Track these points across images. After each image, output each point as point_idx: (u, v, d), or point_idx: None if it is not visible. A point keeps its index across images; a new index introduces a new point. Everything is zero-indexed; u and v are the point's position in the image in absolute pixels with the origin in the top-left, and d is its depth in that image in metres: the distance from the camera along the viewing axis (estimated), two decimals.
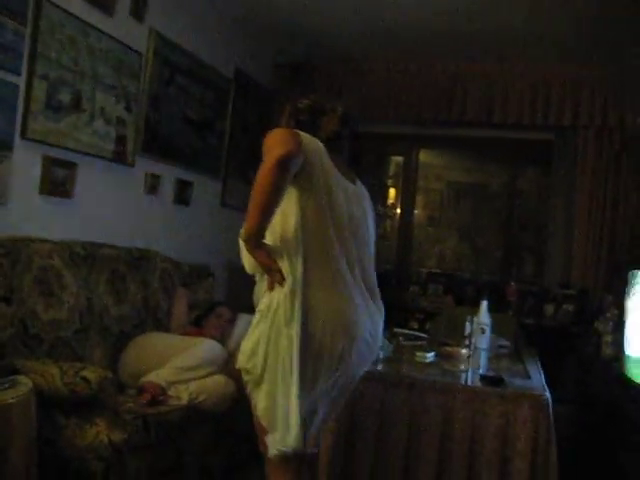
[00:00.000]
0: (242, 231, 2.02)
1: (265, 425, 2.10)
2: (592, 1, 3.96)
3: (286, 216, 2.06)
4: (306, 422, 2.00)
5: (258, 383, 2.09)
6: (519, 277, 5.71)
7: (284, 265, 2.02)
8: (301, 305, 1.98)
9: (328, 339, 2.01)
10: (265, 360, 2.03)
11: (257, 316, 2.13)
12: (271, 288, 2.06)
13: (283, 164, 1.94)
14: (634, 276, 2.86)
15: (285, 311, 1.99)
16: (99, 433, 2.58)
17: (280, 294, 2.01)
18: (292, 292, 1.99)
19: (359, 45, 5.19)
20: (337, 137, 2.30)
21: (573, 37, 4.55)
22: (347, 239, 2.13)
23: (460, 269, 6.36)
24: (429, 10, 4.38)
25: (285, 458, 2.03)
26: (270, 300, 2.05)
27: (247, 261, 2.14)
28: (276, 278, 2.02)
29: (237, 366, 2.16)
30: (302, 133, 2.11)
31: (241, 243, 2.08)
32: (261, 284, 2.18)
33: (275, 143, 1.97)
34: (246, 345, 2.13)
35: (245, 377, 2.14)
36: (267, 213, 1.97)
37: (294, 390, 1.96)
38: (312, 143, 2.13)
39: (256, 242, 2.01)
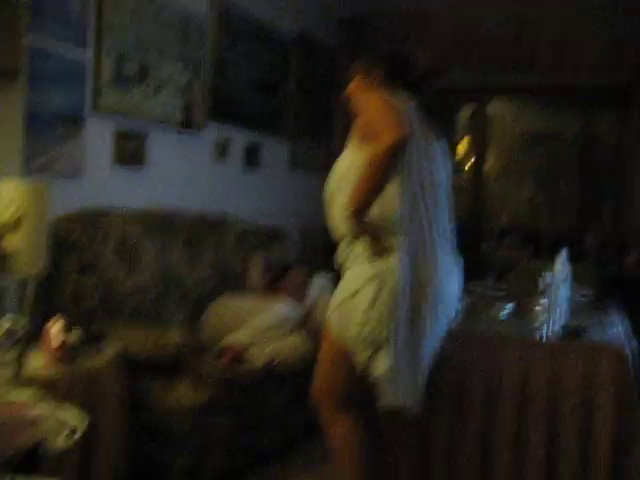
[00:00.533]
0: (346, 202, 2.08)
1: (386, 383, 2.14)
2: None
3: (386, 197, 2.11)
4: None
5: (380, 347, 2.11)
6: (598, 226, 5.53)
7: (386, 239, 2.12)
8: (402, 273, 2.08)
9: (423, 300, 2.13)
10: (385, 323, 2.08)
11: (360, 283, 2.13)
12: (378, 254, 2.11)
13: (396, 151, 1.98)
14: None
15: (392, 279, 2.08)
16: (182, 395, 2.66)
17: (383, 265, 2.10)
18: (395, 262, 2.09)
19: None
20: (420, 86, 2.29)
21: None
22: (431, 207, 2.19)
23: (536, 221, 6.20)
24: None
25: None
26: (377, 269, 2.11)
27: (339, 226, 2.21)
28: (377, 250, 2.11)
29: (352, 340, 2.17)
30: (398, 102, 2.13)
31: (335, 210, 2.20)
32: (348, 248, 2.22)
33: (385, 123, 1.99)
34: (361, 315, 2.12)
35: (361, 347, 2.14)
36: (375, 195, 2.05)
37: (421, 345, 2.12)
38: (408, 113, 2.14)
39: (360, 218, 2.07)
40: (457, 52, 5.29)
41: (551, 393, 2.42)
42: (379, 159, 1.98)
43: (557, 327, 2.73)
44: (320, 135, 5.47)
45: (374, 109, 2.06)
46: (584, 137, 5.71)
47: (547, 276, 3.28)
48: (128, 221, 3.18)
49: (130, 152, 3.42)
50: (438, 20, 5.37)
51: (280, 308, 3.43)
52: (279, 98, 4.84)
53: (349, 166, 2.15)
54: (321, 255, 5.31)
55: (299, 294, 3.79)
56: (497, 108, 6.20)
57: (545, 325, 2.87)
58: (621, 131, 5.42)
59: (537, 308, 3.14)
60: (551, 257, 3.57)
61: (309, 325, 3.62)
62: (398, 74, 2.25)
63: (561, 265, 3.44)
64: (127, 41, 3.32)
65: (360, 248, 2.15)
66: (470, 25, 5.30)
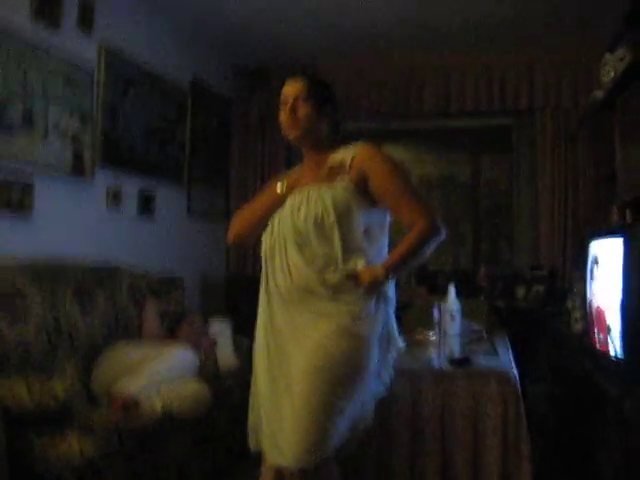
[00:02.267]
0: (379, 269, 2.16)
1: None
2: None
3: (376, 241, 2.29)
4: None
5: None
6: (493, 263, 5.75)
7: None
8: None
9: None
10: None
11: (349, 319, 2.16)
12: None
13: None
14: (593, 246, 2.90)
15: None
16: (71, 446, 2.56)
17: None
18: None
19: (313, 47, 5.20)
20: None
21: (523, 23, 4.61)
22: None
23: (434, 260, 6.39)
24: (382, 8, 4.42)
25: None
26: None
27: (309, 274, 2.20)
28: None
29: None
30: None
31: (306, 254, 2.21)
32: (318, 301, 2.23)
33: (422, 203, 2.20)
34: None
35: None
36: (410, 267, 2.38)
37: None
38: None
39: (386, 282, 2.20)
40: (350, 101, 5.45)
41: (443, 417, 2.50)
42: (429, 239, 2.15)
43: (445, 357, 2.82)
44: (217, 182, 5.50)
45: (401, 180, 2.20)
46: (475, 177, 5.97)
47: (435, 311, 3.39)
48: (13, 270, 3.07)
49: (15, 200, 3.33)
50: (329, 70, 5.52)
51: (175, 354, 3.37)
52: (174, 145, 4.85)
53: (329, 206, 2.16)
54: (221, 301, 5.30)
55: (196, 340, 3.74)
56: (394, 154, 6.39)
57: (436, 355, 2.96)
58: (509, 174, 5.71)
59: (431, 339, 3.24)
60: (445, 294, 3.70)
61: (206, 371, 3.58)
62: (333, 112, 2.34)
63: (450, 302, 3.57)
64: (10, 87, 3.27)
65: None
66: (358, 73, 5.49)
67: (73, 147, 3.74)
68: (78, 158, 3.79)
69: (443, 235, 2.14)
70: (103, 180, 4.06)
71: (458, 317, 3.60)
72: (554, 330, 4.22)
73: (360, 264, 2.14)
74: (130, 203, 4.36)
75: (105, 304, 3.63)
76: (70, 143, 3.72)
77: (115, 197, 4.16)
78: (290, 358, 2.15)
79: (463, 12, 4.48)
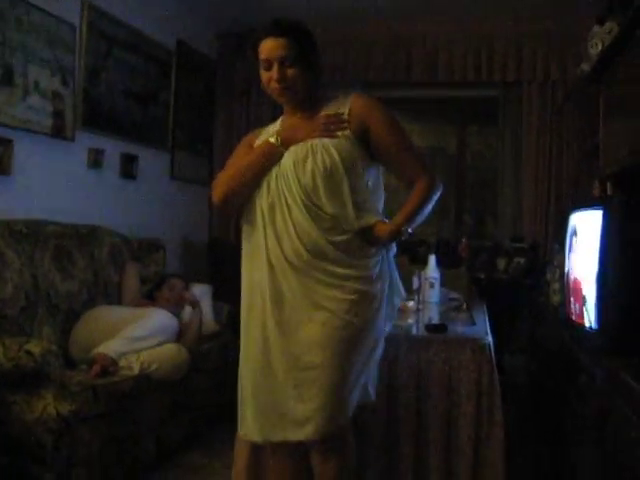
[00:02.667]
0: (391, 227, 2.13)
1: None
2: None
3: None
4: None
5: None
6: (477, 236, 5.77)
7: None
8: None
9: None
10: None
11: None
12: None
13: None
14: (573, 218, 2.91)
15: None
16: (47, 406, 2.58)
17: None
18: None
19: (299, 14, 5.13)
20: None
21: None
22: None
23: (417, 230, 6.40)
24: None
25: None
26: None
27: (340, 211, 2.09)
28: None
29: None
30: None
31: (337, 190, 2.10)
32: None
33: (424, 164, 2.20)
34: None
35: None
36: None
37: None
38: None
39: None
40: (335, 67, 5.41)
41: (419, 383, 2.53)
42: (433, 194, 2.16)
43: (422, 324, 2.85)
44: (201, 147, 5.46)
45: (402, 134, 2.16)
46: (460, 149, 5.97)
47: (415, 279, 3.42)
48: None
49: None
50: (323, 36, 5.47)
51: (155, 317, 3.37)
52: (157, 109, 4.80)
53: (336, 158, 2.04)
54: (203, 266, 5.30)
55: (176, 304, 3.75)
56: None
57: (414, 322, 2.98)
58: (495, 145, 5.71)
59: (409, 306, 3.26)
60: (426, 262, 3.72)
61: (186, 334, 3.59)
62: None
63: (430, 270, 3.60)
64: None
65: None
66: (345, 40, 5.44)
67: (54, 107, 3.69)
68: (59, 118, 3.74)
69: (441, 189, 2.17)
70: (85, 141, 4.02)
71: (437, 285, 3.63)
72: (533, 302, 4.26)
73: (374, 218, 2.09)
74: (112, 166, 4.32)
75: (85, 266, 3.62)
76: (51, 103, 3.67)
77: (97, 159, 4.12)
78: (300, 329, 2.03)
79: None
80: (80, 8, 3.91)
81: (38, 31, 3.53)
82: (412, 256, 5.05)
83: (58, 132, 3.74)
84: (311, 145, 2.04)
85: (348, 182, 2.03)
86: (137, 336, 3.18)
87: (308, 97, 2.16)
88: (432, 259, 3.61)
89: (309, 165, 2.01)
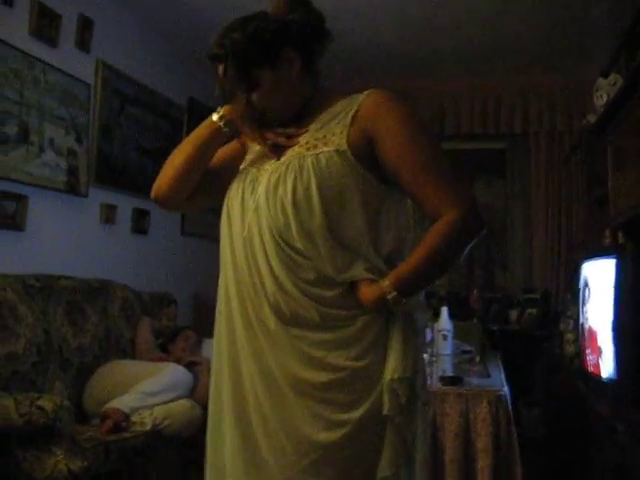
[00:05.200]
0: (386, 282, 1.49)
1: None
2: (538, 14, 4.08)
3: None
4: None
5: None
6: (487, 288, 5.75)
7: None
8: None
9: None
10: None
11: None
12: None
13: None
14: (585, 267, 2.90)
15: None
16: (57, 463, 2.54)
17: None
18: None
19: None
20: None
21: (518, 48, 4.67)
22: None
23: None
24: (377, 29, 4.47)
25: None
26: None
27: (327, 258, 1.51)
28: None
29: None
30: None
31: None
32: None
33: (454, 184, 1.52)
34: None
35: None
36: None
37: None
38: None
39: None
40: None
41: (435, 436, 2.48)
42: (463, 236, 1.51)
43: (437, 377, 2.81)
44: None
45: (425, 145, 1.52)
46: None
47: (428, 332, 3.40)
48: (4, 285, 3.06)
49: (9, 214, 3.33)
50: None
51: (170, 372, 3.35)
52: None
53: (311, 183, 1.47)
54: (213, 319, 5.28)
55: (192, 355, 3.73)
56: None
57: (428, 375, 2.95)
58: (505, 197, 5.73)
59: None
60: (438, 316, 3.71)
61: (199, 389, 3.56)
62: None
63: (442, 322, 3.58)
64: (6, 102, 3.28)
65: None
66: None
67: (68, 163, 3.74)
68: (73, 175, 3.79)
69: (483, 231, 1.53)
70: (97, 197, 4.06)
71: (450, 337, 3.60)
72: (547, 353, 4.22)
73: (361, 272, 1.50)
74: (124, 221, 4.36)
75: (97, 321, 3.62)
76: (65, 160, 3.72)
77: (109, 214, 4.16)
78: (266, 424, 1.49)
79: (459, 36, 4.53)
80: (95, 67, 4.00)
81: (54, 90, 3.61)
82: (429, 307, 5.03)
83: (72, 188, 3.79)
84: (287, 164, 1.52)
85: (324, 215, 1.46)
86: (151, 391, 3.16)
87: (297, 109, 1.62)
88: (444, 311, 3.60)
89: (280, 192, 1.49)
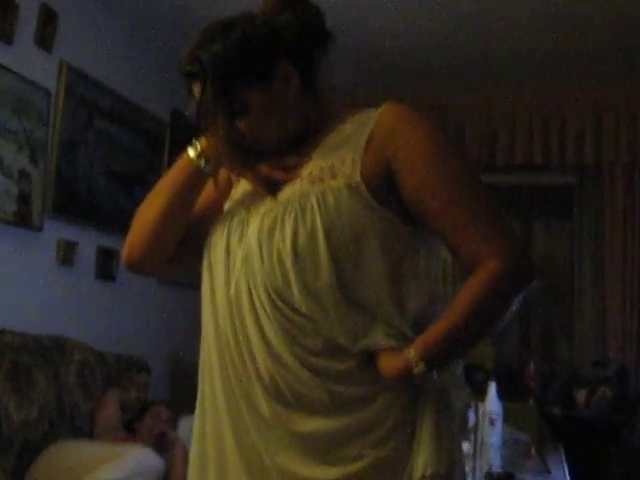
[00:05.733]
0: (412, 351, 1.45)
1: None
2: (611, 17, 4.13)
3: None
4: None
5: None
6: (546, 359, 5.71)
7: None
8: None
9: None
10: None
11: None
12: None
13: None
14: None
15: None
16: None
17: None
18: None
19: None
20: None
21: (590, 58, 4.70)
22: None
23: (473, 353, 6.35)
24: (417, 38, 4.54)
25: None
26: None
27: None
28: None
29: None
30: None
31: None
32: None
33: (498, 226, 1.52)
34: None
35: None
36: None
37: None
38: None
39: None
40: None
41: None
42: (507, 290, 1.48)
43: (482, 473, 2.78)
44: None
45: (460, 175, 1.52)
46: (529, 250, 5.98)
47: (471, 415, 3.36)
48: None
49: None
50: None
51: (135, 456, 3.34)
52: (146, 193, 4.87)
53: (317, 230, 1.43)
54: (196, 392, 5.26)
55: (161, 439, 3.71)
56: None
57: (470, 471, 2.91)
58: (569, 246, 5.71)
59: (463, 450, 3.19)
60: (484, 394, 3.67)
61: (173, 477, 3.54)
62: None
63: (489, 403, 3.54)
64: None
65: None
66: None
67: (19, 189, 3.78)
68: (24, 203, 3.82)
69: (533, 282, 1.49)
70: (54, 231, 4.09)
71: (499, 423, 3.55)
72: (625, 445, 4.16)
73: (381, 339, 1.46)
74: (87, 263, 4.38)
75: (47, 388, 3.61)
76: (15, 184, 3.76)
77: (68, 254, 4.18)
78: None
79: (513, 40, 4.58)
80: (57, 70, 4.07)
81: (4, 97, 3.67)
82: (467, 383, 4.99)
83: (22, 220, 3.82)
84: (285, 203, 1.49)
85: (334, 269, 1.43)
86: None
87: (296, 133, 1.60)
88: (492, 389, 3.55)
89: (276, 239, 1.46)
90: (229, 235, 1.55)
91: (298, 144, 1.59)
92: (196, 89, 1.55)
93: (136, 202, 5.00)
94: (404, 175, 1.47)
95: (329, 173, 1.49)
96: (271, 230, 1.46)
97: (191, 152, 1.63)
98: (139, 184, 4.83)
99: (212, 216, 1.68)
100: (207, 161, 1.61)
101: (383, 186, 1.48)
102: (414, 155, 1.47)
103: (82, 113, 4.28)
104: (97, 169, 4.43)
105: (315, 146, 1.57)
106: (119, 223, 4.59)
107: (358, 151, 1.49)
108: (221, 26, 1.53)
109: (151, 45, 4.88)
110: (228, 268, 1.53)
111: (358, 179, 1.46)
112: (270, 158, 1.58)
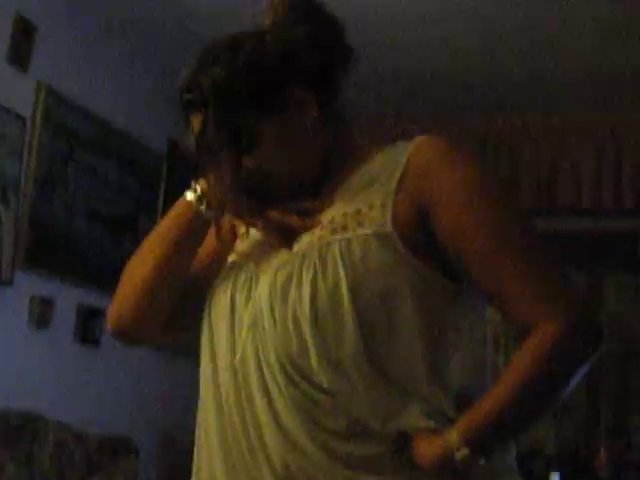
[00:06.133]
0: (454, 433, 1.42)
1: None
2: None
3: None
4: None
5: None
6: (619, 441, 5.64)
7: None
8: None
9: None
10: None
11: None
12: None
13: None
14: None
15: None
16: None
17: None
18: None
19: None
20: None
21: None
22: None
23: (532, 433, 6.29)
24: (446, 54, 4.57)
25: None
26: None
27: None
28: None
29: None
30: None
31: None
32: None
33: (536, 242, 1.51)
34: None
35: None
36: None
37: None
38: None
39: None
40: None
41: None
42: (568, 359, 1.46)
43: None
44: None
45: (509, 220, 1.51)
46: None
47: None
48: None
49: None
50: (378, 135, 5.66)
51: None
52: (137, 239, 4.87)
53: (340, 288, 1.41)
54: (190, 476, 5.21)
55: None
56: None
57: None
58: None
59: None
60: None
61: None
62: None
63: None
64: None
65: None
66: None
67: None
68: None
69: (601, 348, 1.45)
70: (26, 286, 4.10)
71: None
72: None
73: (416, 419, 1.43)
74: (65, 324, 4.37)
75: (17, 474, 3.59)
76: None
77: (43, 314, 4.17)
78: None
79: (576, 59, 4.58)
80: (34, 93, 4.10)
81: None
82: (523, 474, 4.93)
83: None
84: (302, 255, 1.48)
85: (361, 335, 1.41)
86: None
87: (314, 172, 1.59)
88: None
89: (292, 299, 1.44)
90: (234, 294, 1.54)
91: (317, 185, 1.58)
92: (196, 120, 1.54)
93: (125, 251, 5.00)
94: (441, 222, 1.46)
95: (355, 220, 1.47)
96: (285, 288, 1.45)
97: (189, 195, 1.62)
98: (129, 230, 4.82)
99: (214, 272, 1.66)
100: (209, 206, 1.60)
101: (419, 235, 1.47)
102: (452, 198, 1.45)
103: (62, 144, 4.29)
104: (79, 211, 4.43)
105: (337, 188, 1.55)
106: (104, 277, 4.58)
107: (389, 194, 1.48)
108: (225, 45, 1.53)
109: (145, 65, 4.91)
110: (233, 332, 1.51)
111: (389, 227, 1.45)
112: (284, 202, 1.57)
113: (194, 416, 1.67)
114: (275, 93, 1.50)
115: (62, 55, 4.28)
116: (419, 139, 1.52)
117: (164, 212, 5.18)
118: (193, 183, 1.63)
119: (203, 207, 1.60)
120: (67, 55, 4.32)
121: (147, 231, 5.05)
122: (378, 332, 1.42)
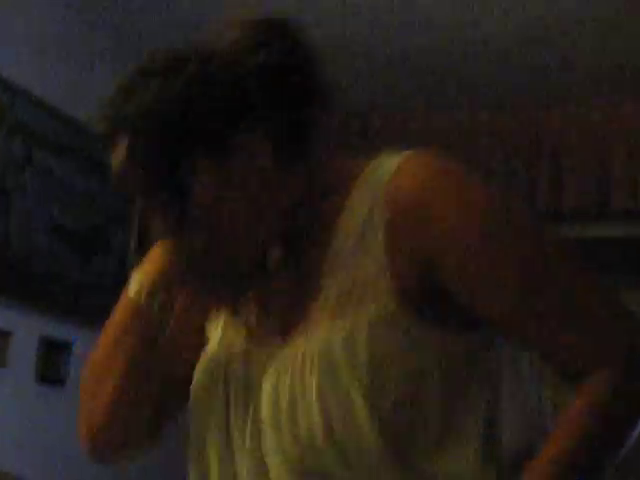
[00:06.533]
0: None
1: None
2: None
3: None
4: None
5: None
6: None
7: None
8: None
9: None
10: None
11: None
12: None
13: None
14: None
15: None
16: None
17: None
18: None
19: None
20: None
21: None
22: None
23: None
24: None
25: None
26: None
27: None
28: None
29: None
30: None
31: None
32: None
33: (577, 271, 1.44)
34: None
35: None
36: None
37: None
38: None
39: None
40: None
41: None
42: (630, 411, 1.39)
43: None
44: None
45: (556, 275, 1.42)
46: None
47: None
48: None
49: None
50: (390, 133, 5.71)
51: None
52: (109, 260, 4.86)
53: (352, 394, 1.37)
54: None
55: None
56: None
57: None
58: None
59: None
60: None
61: None
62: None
63: None
64: None
65: None
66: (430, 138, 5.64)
67: None
68: None
69: None
70: None
71: None
72: None
73: None
74: (25, 361, 4.37)
75: None
76: None
77: None
78: None
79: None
80: None
81: None
82: None
83: None
84: (299, 356, 1.42)
85: (383, 438, 1.37)
86: None
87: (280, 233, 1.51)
88: None
89: (301, 420, 1.41)
90: (228, 417, 1.51)
91: (294, 249, 1.49)
92: (119, 158, 1.45)
93: (94, 273, 4.96)
94: (451, 275, 1.38)
95: (353, 298, 1.40)
96: (292, 408, 1.40)
97: (131, 288, 1.56)
98: (100, 246, 4.81)
99: (193, 359, 1.62)
100: (154, 299, 1.53)
101: (430, 293, 1.39)
102: (459, 241, 1.37)
103: (17, 146, 4.29)
104: (39, 225, 4.43)
105: (321, 249, 1.46)
106: (70, 302, 4.57)
107: (378, 259, 1.39)
108: (160, 64, 1.45)
109: (119, 50, 4.91)
110: (230, 459, 1.49)
111: (393, 305, 1.38)
112: (253, 278, 1.50)
113: (175, 468, 1.65)
114: (215, 133, 1.42)
115: (18, 38, 4.29)
116: (399, 158, 1.43)
117: (140, 225, 5.20)
118: (136, 277, 1.56)
119: (150, 300, 1.53)
120: (22, 37, 4.32)
121: (120, 248, 5.06)
122: (403, 430, 1.39)
